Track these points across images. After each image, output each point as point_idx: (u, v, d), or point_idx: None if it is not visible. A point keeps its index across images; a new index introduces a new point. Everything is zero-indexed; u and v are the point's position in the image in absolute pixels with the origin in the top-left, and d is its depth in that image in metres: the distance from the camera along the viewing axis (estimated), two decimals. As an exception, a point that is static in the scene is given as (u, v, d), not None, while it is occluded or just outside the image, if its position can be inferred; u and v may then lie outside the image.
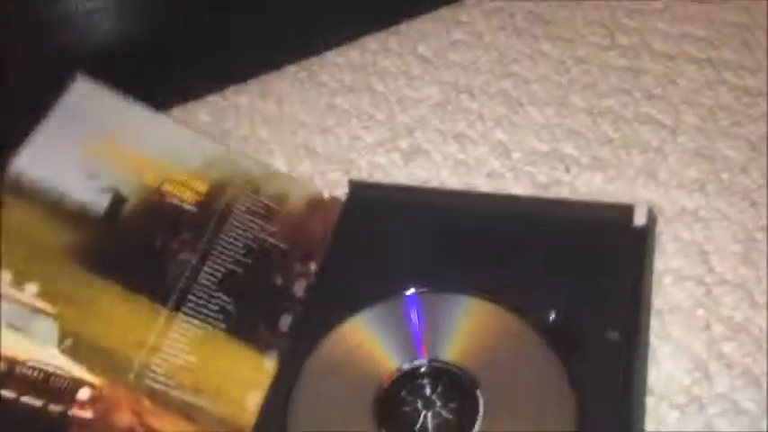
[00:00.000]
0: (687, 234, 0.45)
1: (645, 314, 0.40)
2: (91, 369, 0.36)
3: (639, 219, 0.42)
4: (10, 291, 0.36)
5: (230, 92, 0.57)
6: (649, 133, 0.50)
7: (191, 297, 0.41)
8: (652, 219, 0.43)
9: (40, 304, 0.36)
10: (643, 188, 0.47)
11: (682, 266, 0.43)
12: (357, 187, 0.48)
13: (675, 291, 0.42)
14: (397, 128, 0.54)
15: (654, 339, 0.40)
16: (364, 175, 0.51)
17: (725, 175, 0.47)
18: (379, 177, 0.51)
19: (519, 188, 0.49)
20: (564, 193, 0.48)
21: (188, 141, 0.46)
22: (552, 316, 0.38)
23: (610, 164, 0.49)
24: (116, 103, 0.44)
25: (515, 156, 0.51)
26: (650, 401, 0.38)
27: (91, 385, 0.36)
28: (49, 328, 0.36)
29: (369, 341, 0.39)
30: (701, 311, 0.41)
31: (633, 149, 0.50)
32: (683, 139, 0.50)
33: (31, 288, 0.37)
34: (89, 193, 0.41)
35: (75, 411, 0.35)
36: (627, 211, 0.42)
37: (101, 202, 0.41)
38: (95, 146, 0.42)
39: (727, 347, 0.40)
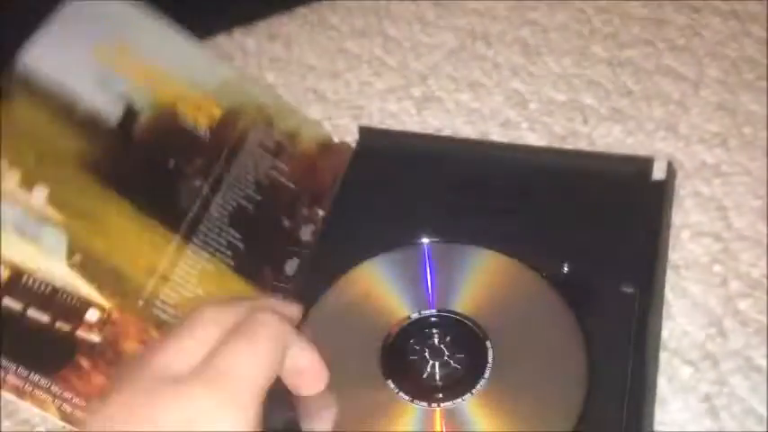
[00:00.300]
0: (706, 189, 0.44)
1: (660, 269, 0.39)
2: (100, 289, 0.34)
3: (659, 173, 0.41)
4: (18, 192, 0.33)
5: (238, 33, 0.56)
6: (671, 86, 0.49)
7: (201, 228, 0.39)
8: (672, 173, 0.41)
9: (49, 211, 0.34)
10: (663, 141, 0.46)
11: (700, 222, 0.42)
12: (368, 134, 0.46)
13: (693, 246, 0.41)
14: (410, 75, 0.52)
15: (669, 294, 0.40)
16: (375, 122, 0.50)
17: (747, 130, 0.46)
18: (390, 125, 0.50)
19: (534, 138, 0.47)
20: (581, 144, 0.47)
21: (204, 61, 0.43)
22: (566, 268, 0.37)
23: (629, 116, 0.48)
24: (131, 10, 0.41)
25: (532, 106, 0.49)
26: (664, 356, 0.37)
27: (100, 307, 0.34)
28: (57, 238, 0.34)
29: (378, 288, 0.38)
30: (717, 267, 0.40)
31: (654, 102, 0.48)
32: (705, 92, 0.48)
33: (41, 192, 0.34)
34: (101, 101, 0.38)
35: (83, 333, 0.33)
36: (646, 164, 0.41)
37: (114, 112, 0.38)
38: (108, 51, 0.39)
39: (743, 304, 0.39)
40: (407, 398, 0.33)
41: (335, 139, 0.47)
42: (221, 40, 0.55)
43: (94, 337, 0.34)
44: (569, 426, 0.32)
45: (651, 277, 0.37)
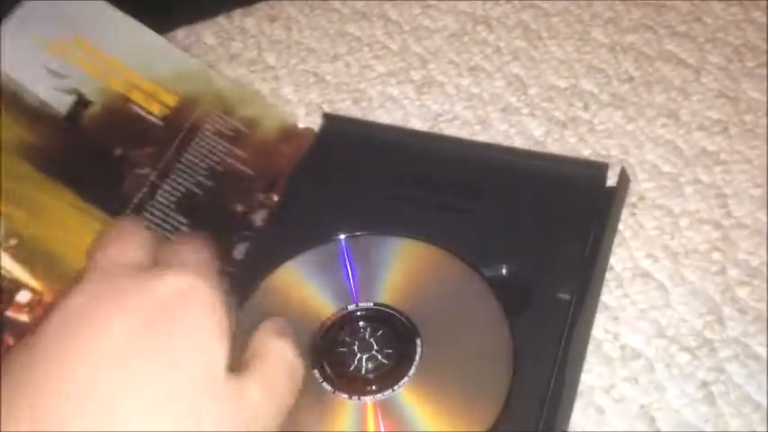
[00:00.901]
0: (706, 177, 0.44)
1: (598, 277, 0.38)
2: (34, 272, 0.35)
3: (611, 179, 0.40)
4: None
5: (237, 14, 0.55)
6: (672, 72, 0.49)
7: (145, 214, 0.39)
8: (624, 180, 0.40)
9: None
10: (663, 128, 0.46)
11: (699, 209, 0.42)
12: (331, 120, 0.45)
13: (692, 233, 0.41)
14: (411, 58, 0.52)
15: (668, 282, 0.40)
16: (375, 106, 0.50)
17: (748, 118, 0.46)
18: (390, 108, 0.49)
19: (535, 124, 0.47)
20: (581, 130, 0.46)
21: (160, 50, 0.44)
22: (504, 270, 0.37)
23: (630, 102, 0.47)
24: (88, 5, 0.42)
25: (532, 91, 0.49)
26: (662, 343, 0.38)
27: (32, 289, 0.35)
28: None
29: (301, 288, 0.37)
30: (716, 255, 0.40)
31: (655, 88, 0.48)
32: (706, 79, 0.48)
33: None
34: (51, 92, 0.39)
35: (12, 313, 0.34)
36: (600, 169, 0.40)
37: (63, 102, 0.39)
38: (63, 45, 0.40)
39: (742, 292, 0.39)
40: (330, 389, 0.33)
41: (300, 125, 0.46)
42: (221, 20, 0.55)
43: (23, 318, 0.34)
44: (488, 420, 0.32)
45: (587, 285, 0.36)
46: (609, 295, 0.39)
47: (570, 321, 0.35)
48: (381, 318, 0.36)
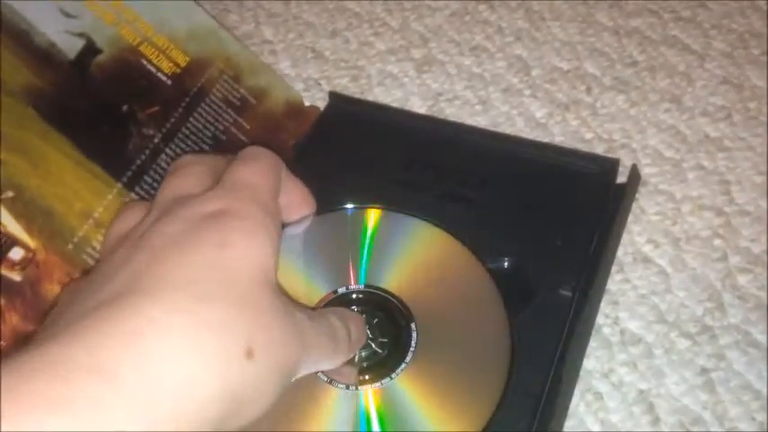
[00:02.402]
0: (709, 163, 0.43)
1: (603, 274, 0.37)
2: (29, 228, 0.33)
3: (622, 175, 0.39)
4: None
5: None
6: (676, 57, 0.48)
7: (146, 178, 0.37)
8: (635, 177, 0.39)
9: None
10: (666, 113, 0.45)
11: (702, 195, 0.42)
12: (337, 99, 0.44)
13: (694, 219, 0.41)
14: (411, 36, 0.51)
15: (669, 268, 0.39)
16: (374, 83, 0.49)
17: (752, 105, 0.45)
18: (389, 86, 0.48)
19: (537, 106, 0.46)
20: (584, 114, 0.46)
21: (177, 5, 0.41)
22: (506, 263, 0.36)
23: (633, 86, 0.47)
24: None
25: (534, 72, 0.48)
26: (662, 329, 0.37)
27: (25, 246, 0.33)
28: None
29: (298, 260, 0.35)
30: (718, 242, 0.40)
31: (658, 73, 0.47)
32: (710, 65, 0.47)
33: None
34: (61, 34, 0.36)
35: (3, 271, 0.32)
36: (611, 165, 0.39)
37: (72, 46, 0.37)
38: None
39: (743, 279, 0.39)
40: (325, 379, 0.32)
41: (306, 103, 0.45)
42: (217, -8, 0.54)
43: (15, 277, 0.32)
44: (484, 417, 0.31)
45: (591, 284, 0.35)
46: (609, 280, 0.39)
47: (571, 319, 0.34)
48: (376, 302, 0.34)
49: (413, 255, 0.36)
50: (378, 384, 0.32)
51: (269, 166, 0.29)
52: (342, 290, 0.35)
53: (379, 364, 0.33)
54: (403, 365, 0.32)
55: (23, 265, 0.32)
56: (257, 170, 0.28)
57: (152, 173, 0.38)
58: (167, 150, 0.38)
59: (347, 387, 0.32)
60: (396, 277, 0.35)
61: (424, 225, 0.37)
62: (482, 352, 0.33)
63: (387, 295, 0.34)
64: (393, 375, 0.32)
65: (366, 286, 0.35)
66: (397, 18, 0.52)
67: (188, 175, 0.29)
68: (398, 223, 0.37)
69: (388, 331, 0.34)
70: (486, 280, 0.35)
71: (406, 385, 0.32)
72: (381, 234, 0.37)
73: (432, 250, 0.36)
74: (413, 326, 0.33)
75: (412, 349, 0.33)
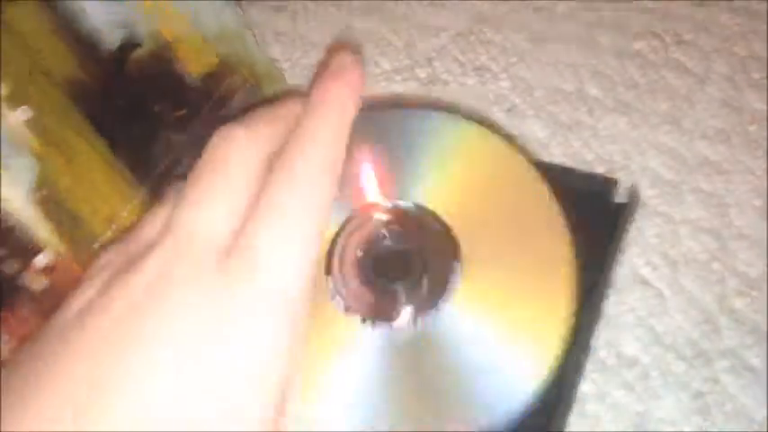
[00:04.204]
0: (708, 185, 0.44)
1: (600, 295, 0.36)
2: (58, 230, 0.31)
3: (620, 195, 0.39)
4: (4, 108, 0.29)
5: (243, 4, 0.55)
6: (677, 80, 0.49)
7: (167, 186, 0.35)
8: (634, 197, 0.39)
9: (27, 137, 0.30)
10: (666, 135, 0.46)
11: (700, 218, 0.42)
12: None
13: (692, 243, 0.41)
14: (416, 56, 0.52)
15: (666, 290, 0.40)
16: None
17: (752, 128, 0.46)
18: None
19: (540, 126, 0.47)
20: (585, 135, 0.46)
21: (213, 3, 0.39)
22: None
23: (634, 108, 0.47)
24: None
25: (537, 93, 0.49)
26: (657, 351, 0.38)
27: (50, 251, 0.31)
28: (28, 168, 0.30)
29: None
30: (716, 265, 0.40)
31: (659, 95, 0.48)
32: (711, 88, 0.48)
33: (24, 114, 0.30)
34: (105, 21, 0.33)
35: (28, 279, 0.30)
36: (609, 185, 0.39)
37: (114, 36, 0.34)
38: None
39: (740, 303, 0.39)
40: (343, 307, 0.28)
41: None
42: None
43: (39, 285, 0.30)
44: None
45: (587, 304, 0.34)
46: (606, 301, 0.39)
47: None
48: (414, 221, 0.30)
49: (461, 165, 0.31)
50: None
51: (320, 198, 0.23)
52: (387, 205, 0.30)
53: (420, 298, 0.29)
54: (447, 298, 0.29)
55: (48, 271, 0.30)
56: (286, 229, 0.22)
57: (173, 180, 0.36)
58: (187, 159, 0.36)
59: (363, 321, 0.28)
60: (437, 194, 0.31)
61: (474, 127, 0.32)
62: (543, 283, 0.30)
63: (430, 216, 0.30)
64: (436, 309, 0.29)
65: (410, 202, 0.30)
66: (403, 38, 0.53)
67: (215, 198, 0.22)
68: (436, 123, 0.32)
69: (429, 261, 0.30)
70: (546, 193, 0.31)
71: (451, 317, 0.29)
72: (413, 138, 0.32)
73: (473, 151, 0.31)
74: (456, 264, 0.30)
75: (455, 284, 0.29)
